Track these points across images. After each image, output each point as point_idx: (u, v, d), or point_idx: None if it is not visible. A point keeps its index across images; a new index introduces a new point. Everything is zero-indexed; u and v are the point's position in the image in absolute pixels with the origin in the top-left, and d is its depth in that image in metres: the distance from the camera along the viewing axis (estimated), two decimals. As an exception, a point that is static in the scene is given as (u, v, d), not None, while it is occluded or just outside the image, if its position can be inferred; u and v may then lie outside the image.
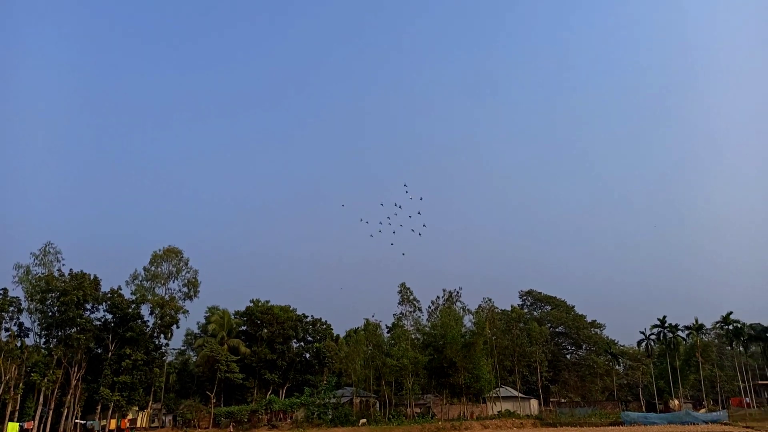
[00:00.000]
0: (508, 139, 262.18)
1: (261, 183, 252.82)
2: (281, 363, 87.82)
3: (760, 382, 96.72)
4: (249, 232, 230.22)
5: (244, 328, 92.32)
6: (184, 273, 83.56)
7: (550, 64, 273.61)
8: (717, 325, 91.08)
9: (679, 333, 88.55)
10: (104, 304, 77.03)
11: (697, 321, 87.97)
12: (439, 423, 67.89)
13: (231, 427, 72.60)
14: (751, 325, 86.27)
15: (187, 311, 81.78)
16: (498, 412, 77.60)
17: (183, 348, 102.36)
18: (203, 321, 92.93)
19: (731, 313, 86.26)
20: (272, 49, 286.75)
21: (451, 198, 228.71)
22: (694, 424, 57.53)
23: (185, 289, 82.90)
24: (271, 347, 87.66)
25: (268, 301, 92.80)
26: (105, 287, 77.38)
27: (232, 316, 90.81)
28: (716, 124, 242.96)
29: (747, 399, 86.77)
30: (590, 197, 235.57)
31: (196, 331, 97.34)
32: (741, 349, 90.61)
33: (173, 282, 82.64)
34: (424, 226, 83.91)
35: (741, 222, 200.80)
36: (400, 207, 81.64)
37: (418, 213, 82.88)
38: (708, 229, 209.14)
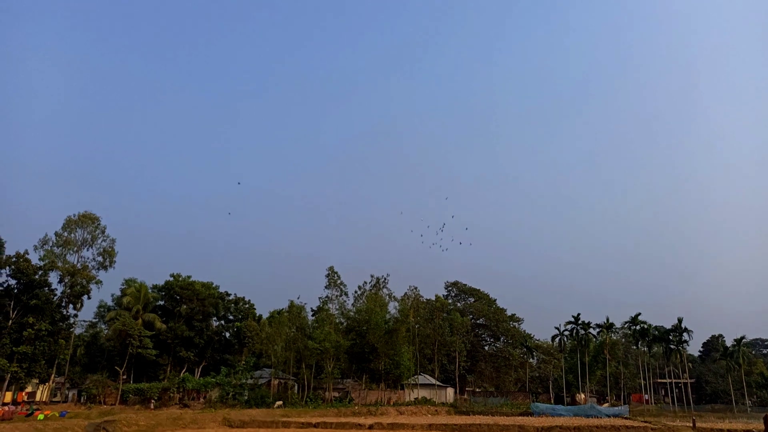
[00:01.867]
0: (428, 119, 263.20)
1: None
2: (199, 341, 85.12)
3: (659, 380, 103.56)
4: (175, 209, 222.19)
5: (161, 302, 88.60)
6: (99, 241, 79.40)
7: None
8: (626, 325, 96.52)
9: (591, 330, 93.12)
10: (7, 268, 71.47)
11: (608, 320, 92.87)
12: (356, 407, 68.04)
13: (152, 404, 69.49)
14: (656, 326, 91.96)
15: (101, 282, 78.01)
16: (415, 399, 78.76)
17: (94, 320, 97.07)
18: (118, 293, 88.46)
19: (639, 314, 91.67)
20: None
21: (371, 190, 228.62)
22: (597, 417, 60.41)
23: (100, 259, 78.82)
24: (189, 324, 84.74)
25: (189, 277, 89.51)
26: (10, 250, 71.92)
27: (150, 290, 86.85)
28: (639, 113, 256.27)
29: (646, 396, 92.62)
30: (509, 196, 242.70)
31: (110, 303, 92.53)
32: (645, 348, 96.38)
33: (87, 250, 78.48)
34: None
35: (654, 222, 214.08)
36: None
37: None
38: (625, 229, 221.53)
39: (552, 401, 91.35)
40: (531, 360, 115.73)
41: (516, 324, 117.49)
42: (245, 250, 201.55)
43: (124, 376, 76.37)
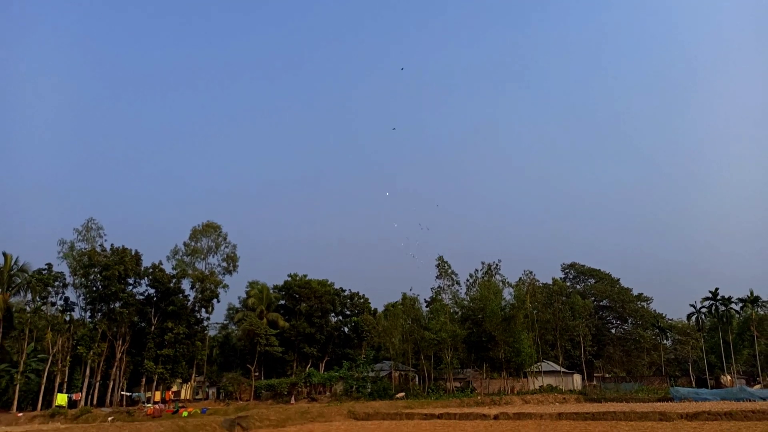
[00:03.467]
0: (536, 122, 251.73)
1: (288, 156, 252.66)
2: (320, 337, 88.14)
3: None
4: (283, 208, 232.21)
5: (282, 302, 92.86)
6: (222, 248, 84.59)
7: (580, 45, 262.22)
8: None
9: (732, 306, 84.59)
10: (146, 278, 78.49)
11: (752, 293, 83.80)
12: (479, 397, 66.75)
13: (293, 399, 72.88)
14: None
15: (227, 285, 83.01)
16: (539, 386, 75.97)
17: (225, 322, 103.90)
18: (243, 295, 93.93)
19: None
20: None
21: (472, 185, 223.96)
22: (750, 400, 54.44)
23: (224, 264, 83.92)
24: (310, 321, 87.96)
25: (305, 276, 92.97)
26: (146, 262, 78.79)
27: (271, 291, 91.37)
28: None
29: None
30: (631, 174, 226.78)
31: (237, 305, 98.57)
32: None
33: (213, 257, 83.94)
34: (437, 206, 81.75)
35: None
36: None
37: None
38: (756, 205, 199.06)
39: (693, 385, 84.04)
40: (665, 342, 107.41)
41: (644, 304, 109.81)
42: (354, 246, 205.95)
43: (256, 373, 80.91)
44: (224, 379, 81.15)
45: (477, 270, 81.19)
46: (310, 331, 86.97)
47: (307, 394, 75.68)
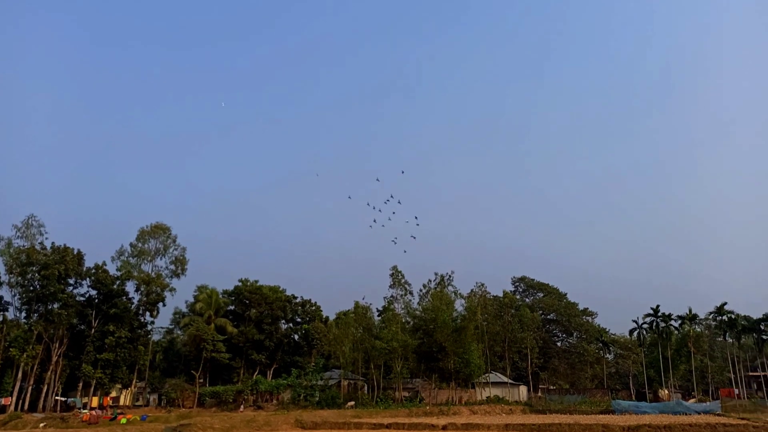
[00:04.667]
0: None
1: (249, 165, 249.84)
2: (269, 344, 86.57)
3: (750, 373, 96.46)
4: (238, 215, 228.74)
5: (232, 307, 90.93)
6: (171, 250, 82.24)
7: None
8: (710, 316, 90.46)
9: (672, 323, 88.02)
10: (88, 279, 75.20)
11: (690, 311, 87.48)
12: (427, 407, 66.87)
13: (242, 407, 70.99)
14: (744, 316, 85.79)
15: (174, 289, 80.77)
16: (487, 397, 76.76)
17: (170, 327, 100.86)
18: (191, 300, 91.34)
19: (725, 303, 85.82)
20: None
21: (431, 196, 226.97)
22: (686, 414, 56.57)
23: (172, 267, 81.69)
24: (259, 327, 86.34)
25: (257, 281, 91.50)
26: (89, 263, 75.57)
27: (220, 296, 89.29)
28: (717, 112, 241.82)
29: (737, 390, 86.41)
30: (583, 187, 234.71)
31: (184, 309, 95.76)
32: (733, 340, 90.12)
33: (160, 259, 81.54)
34: (416, 219, 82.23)
35: (737, 217, 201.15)
36: (390, 199, 78.51)
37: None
38: (704, 223, 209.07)
39: (633, 398, 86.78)
40: (607, 355, 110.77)
41: (589, 318, 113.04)
42: (309, 254, 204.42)
43: (201, 380, 78.62)
44: (167, 386, 78.54)
45: (430, 280, 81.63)
46: (259, 338, 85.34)
47: (253, 402, 73.96)
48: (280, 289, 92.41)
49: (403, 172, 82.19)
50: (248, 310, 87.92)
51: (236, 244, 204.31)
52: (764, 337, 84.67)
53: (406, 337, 74.51)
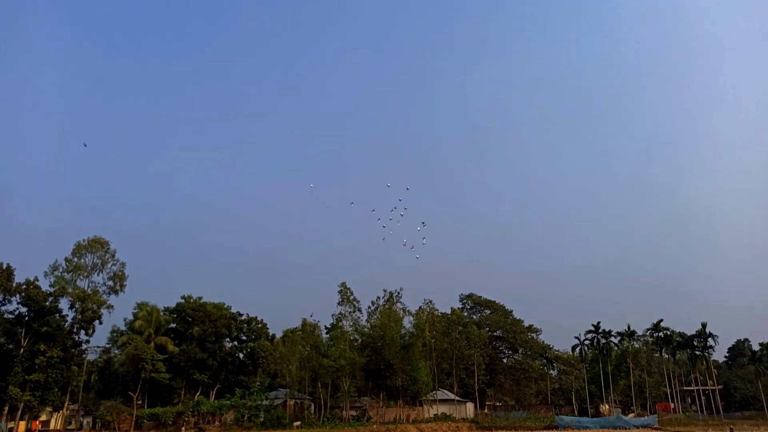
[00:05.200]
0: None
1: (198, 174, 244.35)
2: (212, 363, 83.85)
3: (685, 388, 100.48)
4: (185, 229, 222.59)
5: (173, 325, 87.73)
6: (110, 265, 78.36)
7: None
8: (648, 332, 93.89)
9: (612, 339, 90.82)
10: (17, 296, 70.84)
11: (629, 328, 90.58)
12: (375, 426, 66.22)
13: (183, 429, 68.07)
14: (679, 333, 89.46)
15: (112, 306, 76.72)
16: (434, 415, 76.72)
17: (108, 345, 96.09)
18: (130, 317, 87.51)
19: (661, 320, 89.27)
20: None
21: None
22: (625, 428, 58.27)
23: (110, 283, 77.70)
24: (202, 346, 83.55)
25: (200, 298, 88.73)
26: (20, 278, 71.30)
27: (162, 313, 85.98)
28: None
29: (672, 404, 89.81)
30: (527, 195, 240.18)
31: (122, 327, 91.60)
32: (669, 356, 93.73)
33: (98, 275, 77.41)
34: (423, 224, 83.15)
35: (682, 229, 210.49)
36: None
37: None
38: (647, 237, 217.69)
39: (576, 413, 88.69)
40: (551, 372, 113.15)
41: (534, 335, 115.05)
42: (256, 271, 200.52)
43: (139, 401, 75.13)
44: (102, 408, 74.69)
45: (379, 297, 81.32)
46: (202, 357, 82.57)
47: (194, 424, 71.22)
48: (225, 306, 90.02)
49: (408, 188, 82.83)
50: (191, 327, 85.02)
51: (179, 259, 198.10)
52: (697, 353, 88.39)
53: (354, 355, 73.74)
